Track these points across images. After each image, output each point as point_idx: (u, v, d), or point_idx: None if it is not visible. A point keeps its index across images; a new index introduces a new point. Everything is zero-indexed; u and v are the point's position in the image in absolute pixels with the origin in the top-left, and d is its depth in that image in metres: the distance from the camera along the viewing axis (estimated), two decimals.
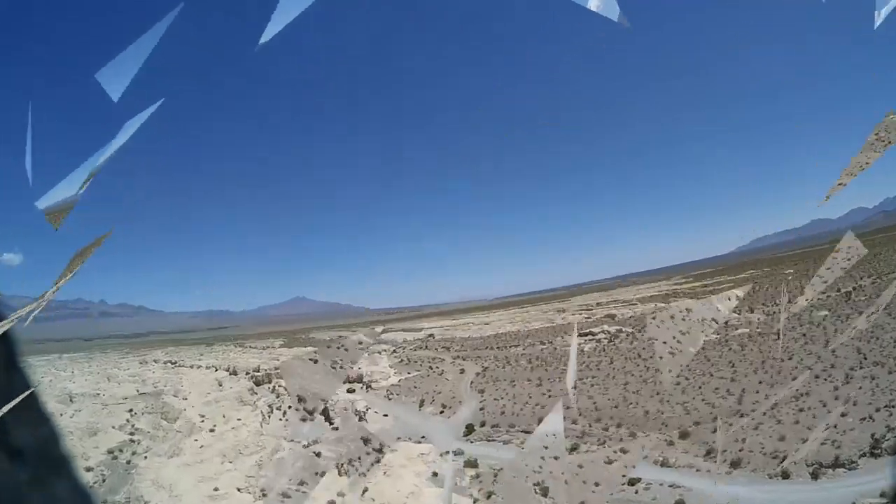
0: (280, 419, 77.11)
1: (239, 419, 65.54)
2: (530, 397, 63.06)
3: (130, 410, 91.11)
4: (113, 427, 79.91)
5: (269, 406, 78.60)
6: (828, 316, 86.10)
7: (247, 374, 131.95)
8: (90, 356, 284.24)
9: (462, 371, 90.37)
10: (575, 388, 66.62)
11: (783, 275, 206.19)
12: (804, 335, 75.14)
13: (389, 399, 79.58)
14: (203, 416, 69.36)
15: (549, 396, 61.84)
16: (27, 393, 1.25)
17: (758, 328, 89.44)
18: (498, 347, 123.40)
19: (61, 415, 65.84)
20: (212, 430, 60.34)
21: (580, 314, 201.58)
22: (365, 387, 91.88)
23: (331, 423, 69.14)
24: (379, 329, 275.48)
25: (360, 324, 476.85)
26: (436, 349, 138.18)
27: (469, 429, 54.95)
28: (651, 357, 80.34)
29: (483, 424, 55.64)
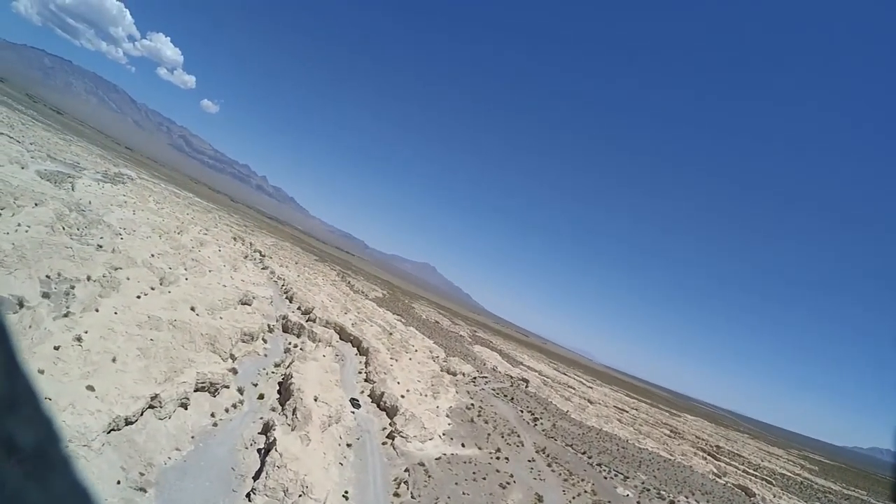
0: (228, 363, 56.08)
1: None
2: None
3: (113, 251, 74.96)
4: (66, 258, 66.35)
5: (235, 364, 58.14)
6: None
7: (300, 310, 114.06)
8: (209, 211, 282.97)
9: (539, 501, 60.04)
10: None
11: None
12: None
13: (396, 496, 51.72)
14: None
15: None
16: (27, 392, 1.31)
17: None
18: (599, 465, 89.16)
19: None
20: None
21: (700, 455, 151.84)
22: (390, 434, 64.11)
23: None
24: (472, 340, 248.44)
25: (467, 319, 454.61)
26: (520, 411, 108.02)
27: None
28: None
29: None
